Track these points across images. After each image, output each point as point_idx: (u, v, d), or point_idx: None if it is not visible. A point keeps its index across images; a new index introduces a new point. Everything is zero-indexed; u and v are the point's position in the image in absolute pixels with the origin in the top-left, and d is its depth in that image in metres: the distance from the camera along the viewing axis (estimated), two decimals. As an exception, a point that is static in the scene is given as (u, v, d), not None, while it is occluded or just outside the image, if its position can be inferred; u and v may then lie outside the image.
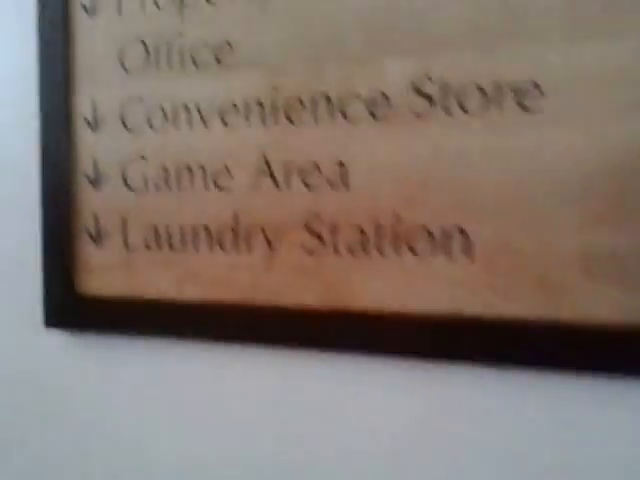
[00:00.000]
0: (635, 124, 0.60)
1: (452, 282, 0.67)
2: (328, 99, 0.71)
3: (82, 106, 0.84)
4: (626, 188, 0.60)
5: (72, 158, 0.84)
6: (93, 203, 0.84)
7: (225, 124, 0.76)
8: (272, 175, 0.74)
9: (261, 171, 0.75)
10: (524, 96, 0.64)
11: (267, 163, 0.75)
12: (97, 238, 0.84)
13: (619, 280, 0.61)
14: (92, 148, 0.84)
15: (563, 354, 0.63)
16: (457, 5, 0.65)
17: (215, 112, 0.77)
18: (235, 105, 0.76)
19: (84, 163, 0.84)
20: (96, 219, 0.84)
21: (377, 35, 0.69)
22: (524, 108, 0.64)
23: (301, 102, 0.73)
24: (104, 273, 0.84)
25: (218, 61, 0.76)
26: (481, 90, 0.65)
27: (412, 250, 0.69)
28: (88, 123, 0.83)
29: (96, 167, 0.83)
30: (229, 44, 0.76)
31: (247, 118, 0.75)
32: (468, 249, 0.67)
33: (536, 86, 0.63)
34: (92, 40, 0.82)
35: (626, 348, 0.60)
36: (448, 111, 0.67)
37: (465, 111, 0.66)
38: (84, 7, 0.83)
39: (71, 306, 0.86)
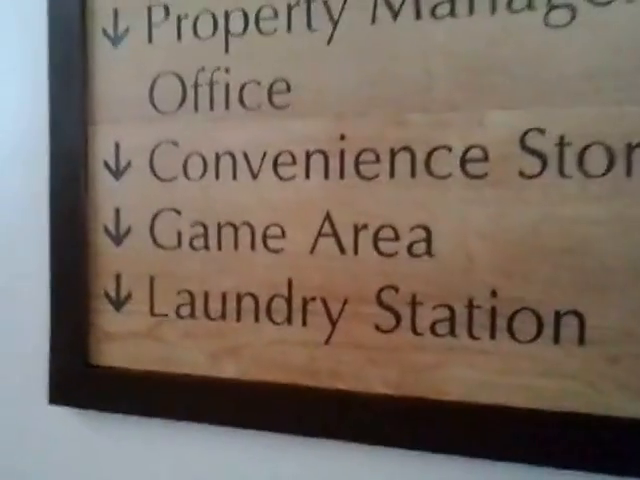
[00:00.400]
0: None
1: (562, 375, 0.54)
2: (410, 152, 0.58)
3: (102, 149, 0.70)
4: None
5: (89, 207, 0.70)
6: (114, 260, 0.70)
7: (279, 176, 0.63)
8: (337, 237, 0.61)
9: (323, 232, 0.61)
10: (660, 159, 0.51)
11: (331, 223, 0.61)
12: (117, 302, 0.69)
13: None
14: (114, 197, 0.69)
15: None
16: (583, 48, 0.53)
17: (267, 162, 0.63)
18: (292, 155, 0.62)
19: (104, 214, 0.70)
20: (117, 279, 0.69)
21: (476, 79, 0.56)
22: (659, 172, 0.51)
23: (376, 154, 0.60)
24: (124, 342, 0.70)
25: (272, 103, 0.63)
26: (608, 150, 0.52)
27: (512, 334, 0.56)
28: (109, 168, 0.69)
29: (118, 219, 0.69)
30: (287, 83, 0.62)
31: (307, 170, 0.62)
32: (584, 335, 0.54)
33: (676, 148, 0.51)
34: (116, 73, 0.69)
35: None
36: (564, 172, 0.54)
37: (585, 173, 0.53)
38: (106, 34, 0.69)
39: (83, 379, 0.71)
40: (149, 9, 0.68)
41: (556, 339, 0.56)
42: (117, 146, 0.70)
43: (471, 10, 0.57)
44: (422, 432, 0.59)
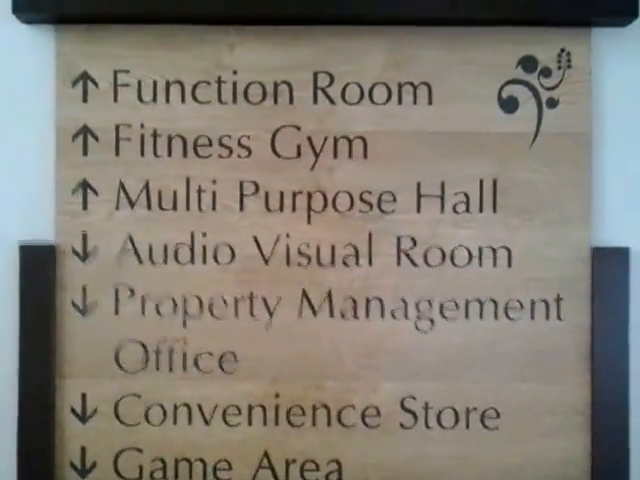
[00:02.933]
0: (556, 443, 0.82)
1: None
2: (326, 408, 0.82)
3: (69, 398, 0.82)
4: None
5: (56, 445, 0.82)
6: (80, 491, 0.82)
7: (227, 423, 0.82)
8: (272, 469, 0.82)
9: (262, 465, 0.82)
10: (486, 418, 0.81)
11: (268, 459, 0.82)
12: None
13: None
14: (80, 438, 0.82)
15: None
16: (439, 345, 0.82)
17: (218, 412, 0.82)
18: (238, 407, 0.82)
19: (70, 452, 0.82)
20: (82, 508, 0.82)
21: (370, 361, 0.82)
22: (485, 426, 0.81)
23: (302, 409, 0.82)
24: None
25: (222, 369, 0.82)
26: (454, 411, 0.81)
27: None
28: (76, 414, 0.82)
29: (84, 456, 0.82)
30: (234, 355, 0.82)
31: (249, 419, 0.82)
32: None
33: (495, 411, 0.81)
34: (84, 337, 0.83)
35: None
36: (428, 425, 0.81)
37: (441, 426, 0.82)
38: (75, 306, 0.82)
39: None
40: (116, 290, 0.83)
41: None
42: (84, 397, 0.83)
43: (367, 315, 0.83)
44: None
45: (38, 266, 0.82)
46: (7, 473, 0.82)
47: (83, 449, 0.83)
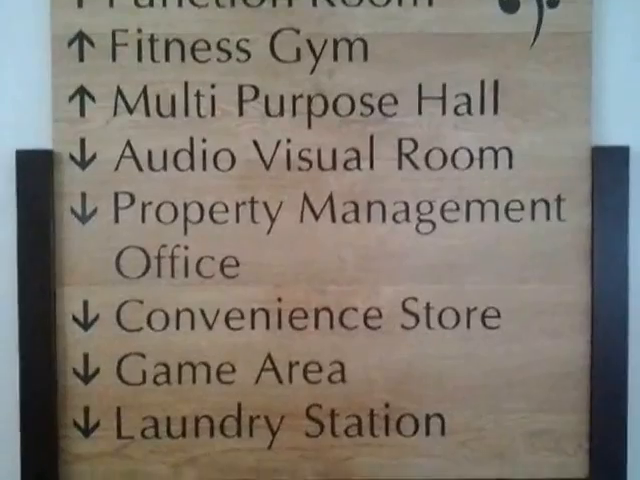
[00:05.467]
0: (556, 342, 0.80)
1: (432, 455, 0.80)
2: (329, 311, 0.79)
3: (71, 306, 0.79)
4: (556, 386, 0.79)
5: (59, 353, 0.79)
6: (83, 397, 0.80)
7: (230, 327, 0.79)
8: (276, 371, 0.80)
9: (265, 368, 0.80)
10: (486, 318, 0.79)
11: (271, 362, 0.80)
12: (86, 429, 0.79)
13: (554, 450, 0.79)
14: (82, 345, 0.80)
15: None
16: (441, 247, 0.80)
17: (220, 316, 0.80)
18: (241, 312, 0.79)
19: (73, 359, 0.80)
20: (86, 411, 0.80)
21: (372, 264, 0.79)
22: (486, 326, 0.79)
23: (304, 312, 0.80)
24: (93, 462, 0.80)
25: (224, 273, 0.80)
26: (455, 311, 0.79)
27: (399, 431, 0.80)
28: (78, 322, 0.79)
29: (87, 363, 0.79)
30: (235, 259, 0.80)
31: (252, 323, 0.80)
32: (443, 429, 0.80)
33: (496, 311, 0.79)
34: (84, 245, 0.80)
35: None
36: (429, 326, 0.79)
37: (443, 326, 0.80)
38: (74, 212, 0.79)
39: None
40: (116, 197, 0.79)
41: (427, 432, 0.81)
42: (85, 304, 0.80)
43: (369, 219, 0.80)
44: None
45: (35, 172, 0.79)
46: (9, 381, 0.80)
47: (86, 356, 0.80)
